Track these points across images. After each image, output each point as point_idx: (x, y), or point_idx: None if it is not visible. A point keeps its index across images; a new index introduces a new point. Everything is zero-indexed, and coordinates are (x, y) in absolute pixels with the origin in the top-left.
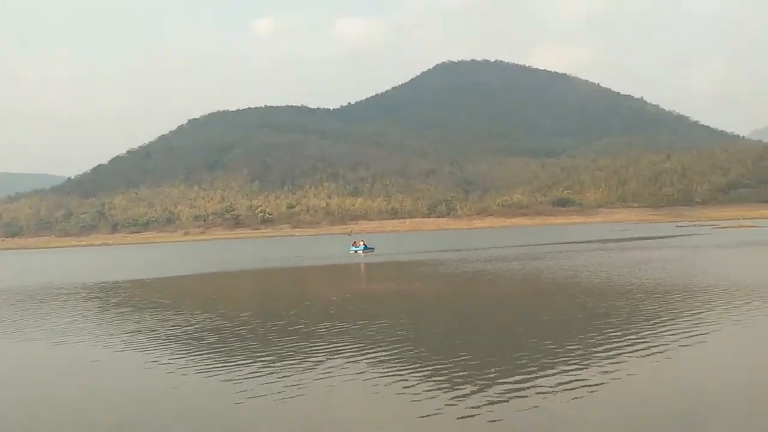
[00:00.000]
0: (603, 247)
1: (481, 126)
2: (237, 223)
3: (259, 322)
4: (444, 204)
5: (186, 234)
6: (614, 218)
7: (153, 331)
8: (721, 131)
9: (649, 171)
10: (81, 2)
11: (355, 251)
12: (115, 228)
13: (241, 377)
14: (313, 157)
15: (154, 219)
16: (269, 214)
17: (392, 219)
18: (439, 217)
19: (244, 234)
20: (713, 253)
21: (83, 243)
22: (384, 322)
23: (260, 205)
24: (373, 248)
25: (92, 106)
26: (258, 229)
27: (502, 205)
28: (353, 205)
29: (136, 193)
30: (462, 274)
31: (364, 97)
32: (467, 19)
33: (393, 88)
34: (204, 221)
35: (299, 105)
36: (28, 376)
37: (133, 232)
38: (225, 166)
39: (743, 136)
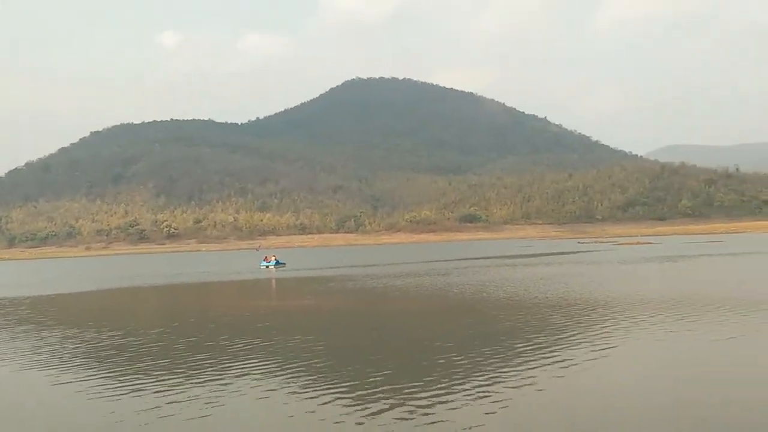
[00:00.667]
0: (508, 263)
1: (389, 143)
2: (141, 238)
3: (168, 339)
4: (353, 219)
5: (88, 249)
6: (519, 234)
7: (55, 348)
8: (621, 151)
9: (552, 189)
10: None
11: (267, 266)
12: (12, 242)
13: (149, 397)
14: (221, 171)
15: (53, 233)
16: (175, 229)
17: (301, 234)
18: (347, 232)
19: (148, 249)
20: (615, 269)
21: None
22: (296, 338)
23: (166, 220)
24: (284, 263)
25: None
26: (163, 245)
27: (411, 221)
28: (261, 220)
29: (35, 207)
30: (372, 290)
31: (273, 112)
32: (376, 36)
33: (302, 103)
34: (107, 236)
35: (206, 119)
36: None
37: (31, 247)
38: (129, 180)
39: (641, 156)
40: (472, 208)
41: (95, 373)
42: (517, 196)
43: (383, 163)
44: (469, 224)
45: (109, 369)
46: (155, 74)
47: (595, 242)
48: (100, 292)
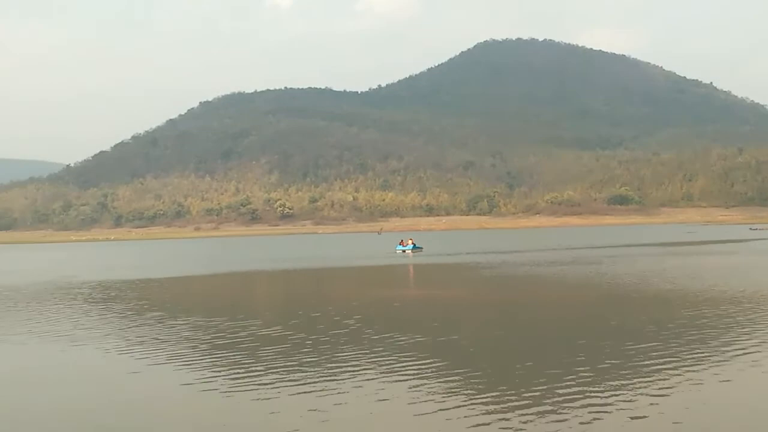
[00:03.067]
0: (670, 251)
1: (527, 113)
2: (253, 218)
3: (304, 329)
4: (485, 200)
5: (197, 229)
6: (679, 218)
7: (178, 337)
8: None
9: (719, 166)
10: None
11: (403, 251)
12: (118, 222)
13: (271, 394)
14: (339, 145)
15: (161, 212)
16: (289, 209)
17: (427, 216)
18: (480, 214)
19: (261, 230)
20: None
21: (84, 238)
22: (437, 331)
23: (279, 199)
24: (421, 248)
25: (82, 84)
26: (277, 226)
27: (552, 202)
28: (383, 200)
29: (142, 184)
30: (512, 279)
31: (396, 80)
32: None
33: (429, 69)
34: (217, 216)
35: (323, 87)
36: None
37: (138, 227)
38: (240, 155)
39: None
40: (623, 188)
41: (220, 365)
42: (676, 174)
43: (520, 136)
44: (619, 206)
45: (231, 361)
46: (268, 38)
47: None
48: (213, 277)
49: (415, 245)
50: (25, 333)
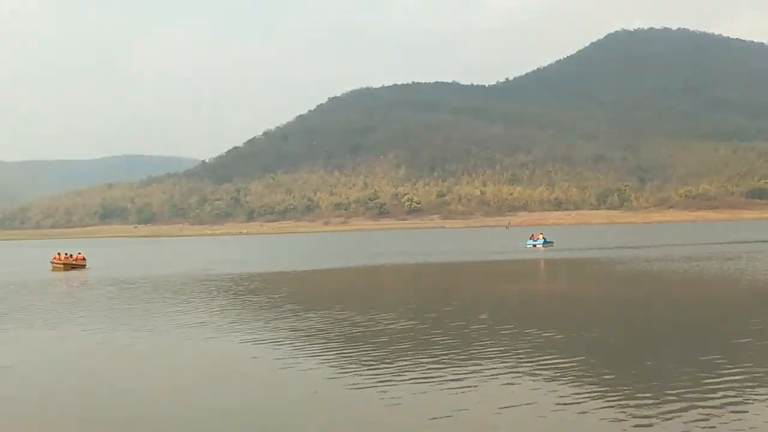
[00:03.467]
0: None
1: (660, 105)
2: (381, 212)
3: (439, 326)
4: (616, 194)
5: (326, 224)
6: None
7: (316, 329)
8: None
9: None
10: None
11: (533, 245)
12: (251, 216)
13: (404, 388)
14: (466, 139)
15: (292, 207)
16: (417, 204)
17: (556, 210)
18: (610, 208)
19: (389, 225)
20: None
21: (218, 231)
22: (584, 331)
23: (407, 193)
24: (552, 242)
25: (215, 82)
26: (404, 220)
27: (685, 196)
28: (511, 194)
29: (273, 179)
30: (646, 275)
31: (523, 72)
32: None
33: (557, 61)
34: (345, 210)
35: (450, 81)
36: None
37: (270, 221)
38: (368, 150)
39: None
40: (762, 181)
41: (357, 357)
42: None
43: (652, 128)
44: (758, 200)
45: (368, 354)
46: (396, 33)
47: None
48: (344, 270)
49: (545, 240)
50: (175, 323)
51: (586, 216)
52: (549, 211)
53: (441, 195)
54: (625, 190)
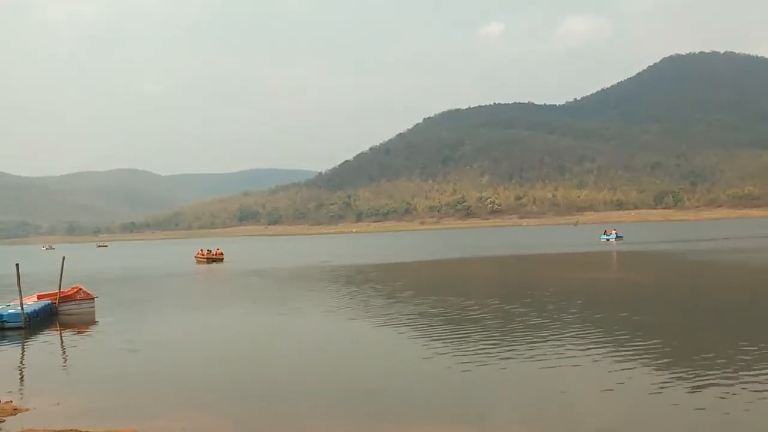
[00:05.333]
0: None
1: (709, 118)
2: (468, 213)
3: (541, 310)
4: (671, 195)
5: (422, 223)
6: None
7: (431, 314)
8: None
9: None
10: (327, 14)
11: (607, 239)
12: (359, 217)
13: (514, 368)
14: (540, 151)
15: (393, 209)
16: (498, 205)
17: (617, 210)
18: (665, 208)
19: (474, 223)
20: None
21: (332, 231)
22: (672, 315)
23: (490, 197)
24: (623, 237)
25: (331, 107)
26: (487, 219)
27: (732, 196)
28: (578, 196)
29: (378, 186)
30: (707, 265)
31: (589, 93)
32: (694, 12)
33: (619, 82)
34: (438, 212)
35: (526, 102)
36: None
37: (375, 221)
38: (457, 161)
39: None
40: None
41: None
42: None
43: (702, 138)
44: None
45: (484, 335)
46: (479, 61)
47: None
48: (446, 261)
49: (617, 235)
50: (313, 307)
51: (644, 215)
52: (611, 211)
53: (518, 198)
54: (679, 192)
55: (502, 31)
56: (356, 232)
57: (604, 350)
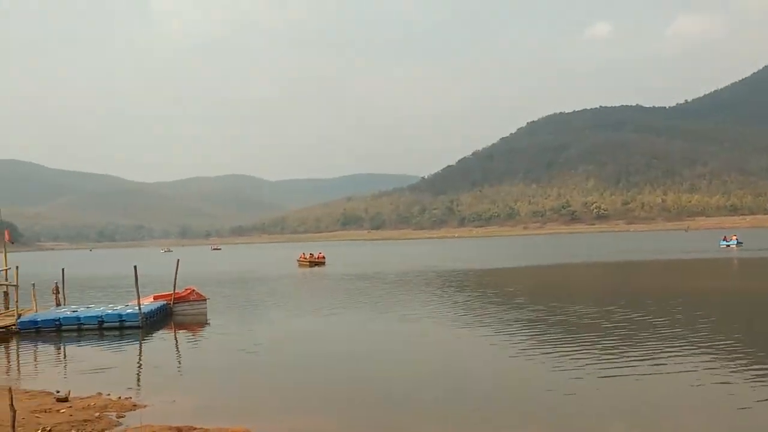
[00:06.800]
0: None
1: None
2: (573, 218)
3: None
4: None
5: (525, 228)
6: None
7: (550, 322)
8: None
9: None
10: (427, 19)
11: (727, 245)
12: (462, 222)
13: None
14: (647, 154)
15: (496, 214)
16: (604, 210)
17: (731, 215)
18: None
19: (579, 229)
20: None
21: (435, 235)
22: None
23: (595, 202)
24: (742, 243)
25: (433, 112)
26: (593, 225)
27: None
28: (689, 201)
29: (480, 191)
30: None
31: (701, 94)
32: None
33: (732, 83)
34: (541, 217)
35: (633, 104)
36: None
37: (478, 226)
38: (561, 165)
39: None
40: None
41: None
42: None
43: None
44: None
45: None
46: (584, 63)
47: None
48: (555, 267)
49: (738, 241)
50: (424, 315)
51: (760, 220)
52: (725, 216)
53: (626, 203)
54: None
55: (609, 32)
56: (458, 236)
57: (744, 363)
